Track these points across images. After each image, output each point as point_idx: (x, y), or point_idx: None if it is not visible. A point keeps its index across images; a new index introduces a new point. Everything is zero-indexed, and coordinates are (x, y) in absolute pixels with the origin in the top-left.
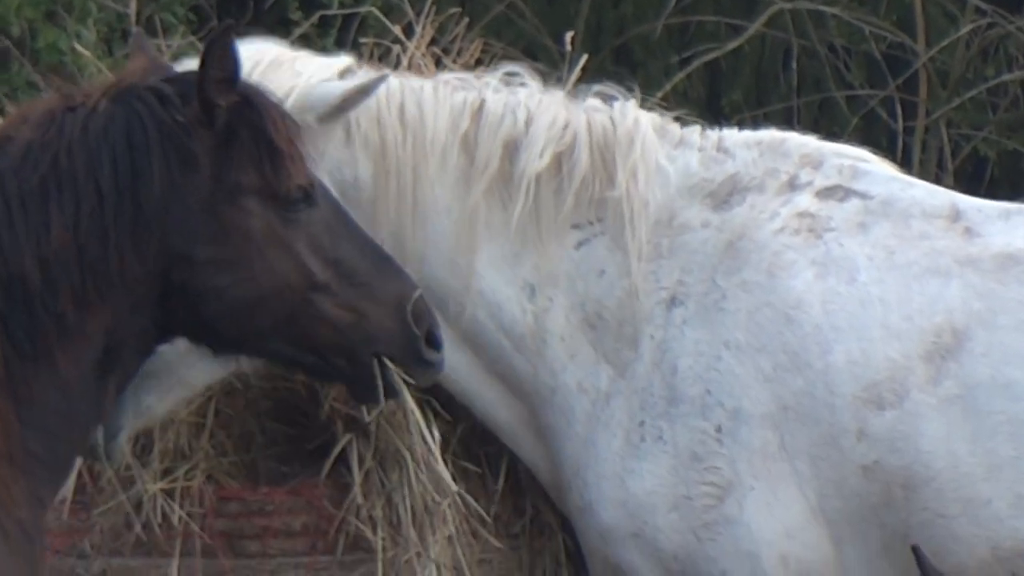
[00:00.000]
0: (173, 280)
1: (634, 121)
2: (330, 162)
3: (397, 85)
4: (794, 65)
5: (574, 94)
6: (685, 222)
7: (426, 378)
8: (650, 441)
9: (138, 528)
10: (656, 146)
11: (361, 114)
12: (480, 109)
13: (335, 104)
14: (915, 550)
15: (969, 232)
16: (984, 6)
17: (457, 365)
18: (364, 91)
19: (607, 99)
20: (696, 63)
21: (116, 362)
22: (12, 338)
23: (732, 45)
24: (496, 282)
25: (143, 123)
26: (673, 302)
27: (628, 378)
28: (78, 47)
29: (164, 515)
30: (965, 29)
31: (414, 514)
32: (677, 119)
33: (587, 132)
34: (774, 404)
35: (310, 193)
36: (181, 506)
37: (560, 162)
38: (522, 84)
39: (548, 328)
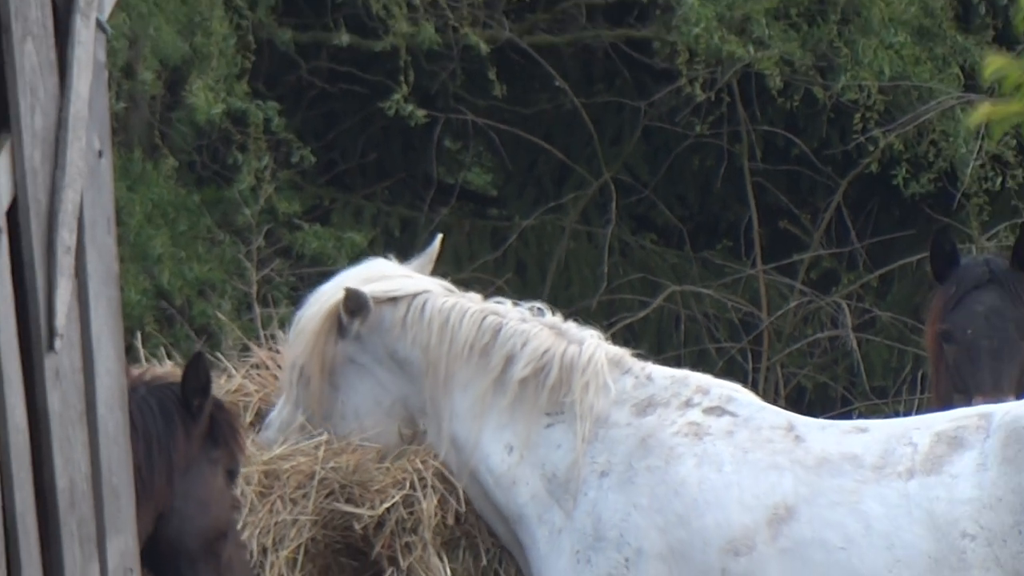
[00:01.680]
0: None
1: (591, 353)
2: (388, 340)
3: (449, 302)
4: (682, 327)
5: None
6: (615, 421)
7: None
8: (583, 564)
9: None
10: (605, 369)
11: (416, 314)
12: (499, 329)
13: (385, 298)
14: None
15: (798, 439)
16: (805, 289)
17: (475, 495)
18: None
19: (582, 328)
20: (618, 325)
21: None
22: None
23: (642, 314)
24: (488, 440)
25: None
26: (603, 474)
27: (572, 520)
28: (219, 314)
29: None
30: (792, 304)
31: None
32: (636, 354)
33: (560, 357)
34: (665, 548)
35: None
36: None
37: (540, 374)
38: (541, 312)
39: (517, 476)
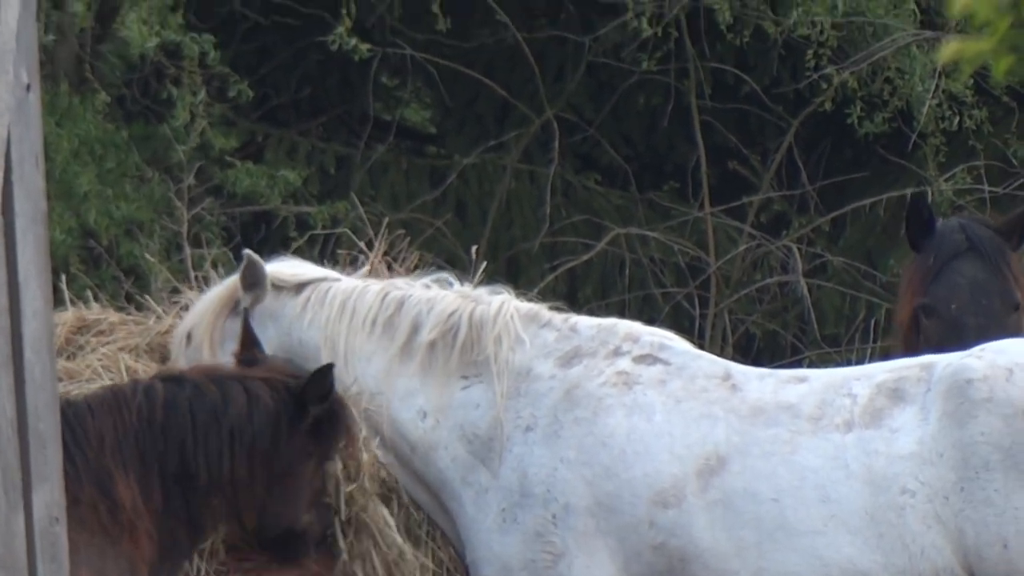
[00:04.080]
0: None
1: (499, 307)
2: (285, 324)
3: (353, 284)
4: (627, 271)
5: (474, 289)
6: (538, 375)
7: None
8: (510, 523)
9: None
10: (517, 322)
11: (318, 296)
12: (403, 302)
13: (292, 283)
14: None
15: (735, 388)
16: (755, 233)
17: (393, 465)
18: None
19: (493, 292)
20: (561, 269)
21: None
22: (171, 503)
23: (585, 257)
24: (398, 408)
25: (264, 405)
26: (528, 428)
27: (498, 479)
28: (148, 255)
29: (198, 570)
30: (741, 248)
31: (385, 571)
32: (554, 307)
33: (468, 317)
34: (593, 501)
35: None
36: (210, 564)
37: (448, 336)
38: (450, 284)
39: (434, 441)
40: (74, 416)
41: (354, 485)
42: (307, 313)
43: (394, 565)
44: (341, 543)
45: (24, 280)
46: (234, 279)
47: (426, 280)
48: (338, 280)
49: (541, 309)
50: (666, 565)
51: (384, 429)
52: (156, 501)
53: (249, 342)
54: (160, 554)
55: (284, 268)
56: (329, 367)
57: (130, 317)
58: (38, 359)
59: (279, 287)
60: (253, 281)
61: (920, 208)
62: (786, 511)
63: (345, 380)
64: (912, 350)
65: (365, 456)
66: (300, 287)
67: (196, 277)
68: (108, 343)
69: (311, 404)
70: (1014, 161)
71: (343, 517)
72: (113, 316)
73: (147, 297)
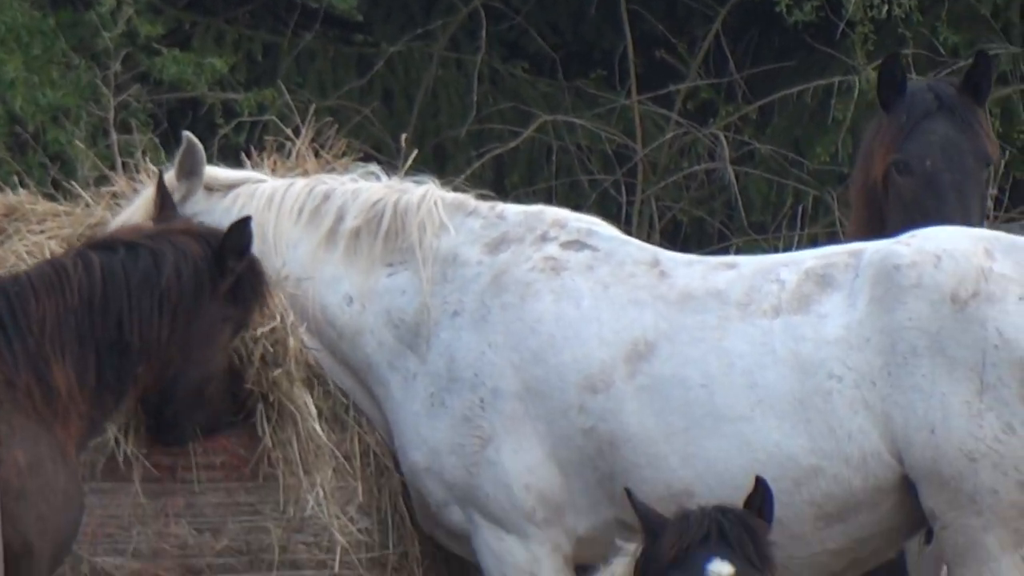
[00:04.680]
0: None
1: (422, 196)
2: (214, 219)
3: (277, 182)
4: (554, 158)
5: (402, 179)
6: (466, 260)
7: None
8: (437, 407)
9: (102, 461)
10: (441, 211)
11: (247, 192)
12: (330, 193)
13: (225, 183)
14: (627, 492)
15: (663, 275)
16: (682, 120)
17: (318, 351)
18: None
19: (419, 183)
20: (487, 156)
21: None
22: (104, 376)
23: (512, 144)
24: (324, 293)
25: (193, 263)
26: (455, 313)
27: (426, 364)
28: (76, 141)
29: (125, 454)
30: (668, 135)
31: (302, 457)
32: (479, 196)
33: (393, 205)
34: (521, 386)
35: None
36: (137, 447)
37: (372, 223)
38: (376, 177)
39: (361, 325)
40: (17, 298)
41: (280, 370)
42: (236, 206)
43: (313, 452)
44: (265, 427)
45: None
46: (167, 177)
47: (353, 175)
48: (266, 181)
49: (467, 198)
50: (595, 450)
51: (311, 314)
52: (91, 378)
53: (165, 205)
54: (89, 426)
55: (216, 170)
56: (247, 220)
57: (61, 207)
58: None
59: (210, 188)
60: (191, 168)
61: (892, 68)
62: (714, 397)
63: (274, 265)
64: (877, 209)
65: (292, 342)
66: (231, 187)
67: (123, 164)
68: (38, 232)
69: (230, 258)
70: (942, 50)
71: (270, 400)
72: (43, 205)
73: (74, 184)
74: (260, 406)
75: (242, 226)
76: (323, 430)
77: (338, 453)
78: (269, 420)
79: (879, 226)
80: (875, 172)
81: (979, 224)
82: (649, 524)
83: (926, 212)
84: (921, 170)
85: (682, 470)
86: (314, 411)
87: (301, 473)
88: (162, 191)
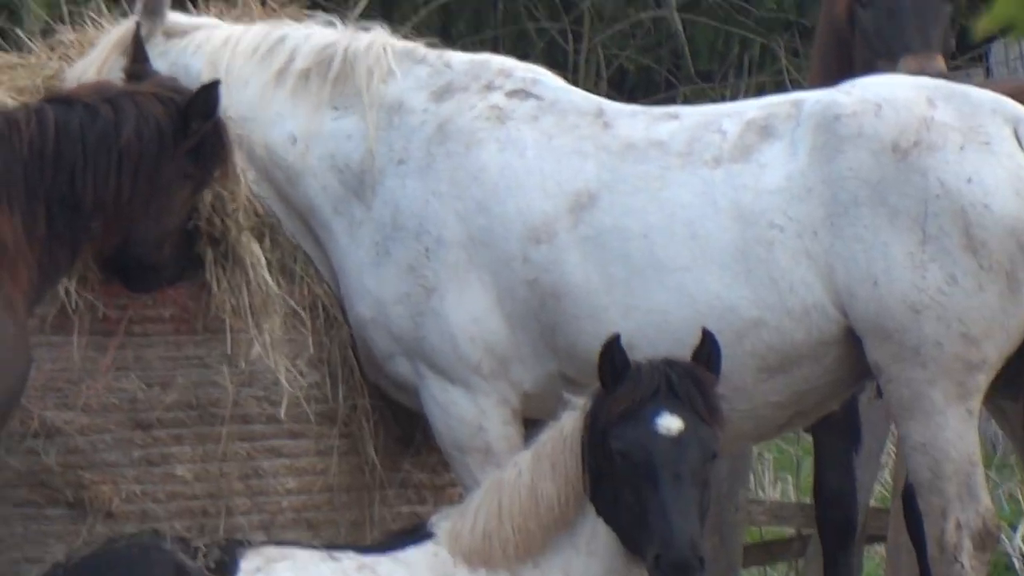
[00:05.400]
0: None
1: (370, 42)
2: (174, 58)
3: (236, 26)
4: (500, 5)
5: (354, 26)
6: (411, 108)
7: None
8: (382, 255)
9: (52, 314)
10: (389, 57)
11: (206, 34)
12: (285, 36)
13: (183, 28)
14: (615, 337)
15: (607, 125)
16: None
17: (265, 192)
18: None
19: (368, 29)
20: (434, 4)
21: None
22: (54, 229)
23: None
24: (270, 132)
25: (155, 124)
26: (400, 161)
27: (371, 211)
28: None
29: (77, 306)
30: None
31: (252, 306)
32: (428, 44)
33: (343, 49)
34: (465, 235)
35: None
36: (83, 297)
37: (322, 66)
38: (332, 25)
39: (304, 166)
40: None
41: (228, 218)
42: (193, 45)
43: (263, 301)
44: (214, 274)
45: None
46: (126, 25)
47: (312, 23)
48: (222, 27)
49: (417, 46)
50: (539, 301)
51: (257, 155)
52: (40, 230)
53: (139, 56)
54: (41, 278)
55: (175, 15)
56: (215, 83)
57: (14, 57)
58: None
59: (169, 33)
60: (154, 8)
61: None
62: (655, 247)
63: (224, 103)
64: (843, 48)
65: (241, 188)
66: (191, 29)
67: (70, 14)
68: None
69: (194, 120)
70: None
71: (220, 248)
72: None
73: (19, 32)
74: (209, 253)
75: (211, 88)
76: (272, 280)
77: (290, 301)
78: (219, 267)
79: (847, 66)
80: (838, 8)
81: (939, 50)
82: (606, 375)
83: (887, 42)
84: (882, 1)
85: (623, 321)
86: (263, 260)
87: (251, 322)
88: (137, 43)
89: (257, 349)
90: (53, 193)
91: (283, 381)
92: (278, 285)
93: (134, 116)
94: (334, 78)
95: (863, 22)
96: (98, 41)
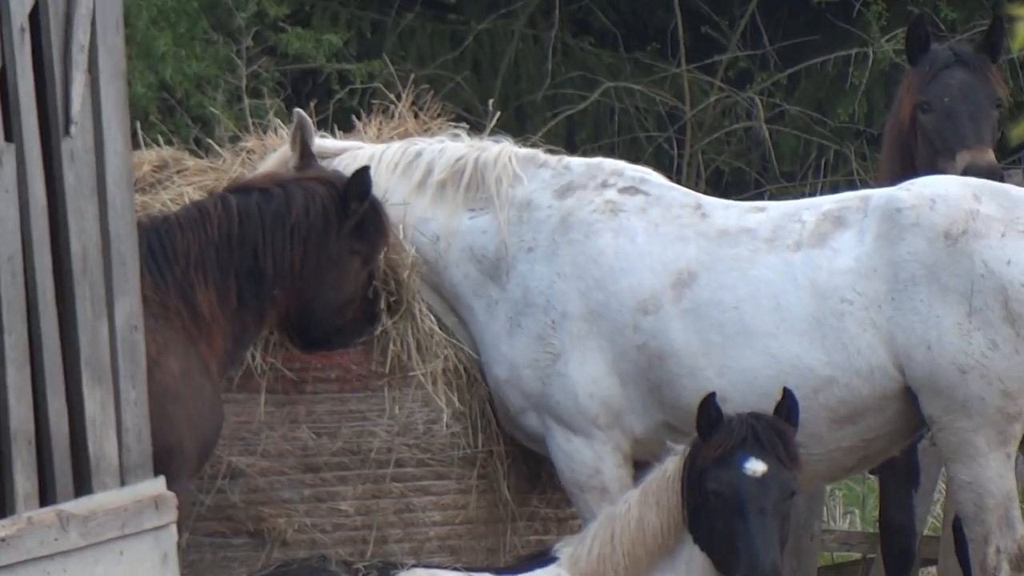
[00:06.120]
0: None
1: (498, 152)
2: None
3: (372, 148)
4: (616, 118)
5: (487, 137)
6: (538, 205)
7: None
8: (515, 328)
9: (238, 375)
10: (515, 164)
11: (350, 157)
12: (421, 152)
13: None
14: (711, 396)
15: (704, 216)
16: (723, 86)
17: (422, 284)
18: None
19: (496, 141)
20: (560, 117)
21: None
22: (243, 300)
23: (581, 107)
24: (415, 233)
25: (320, 203)
26: (529, 249)
27: (505, 292)
28: (212, 109)
29: (260, 368)
30: (712, 98)
31: (419, 350)
32: (549, 150)
33: (473, 161)
34: (586, 309)
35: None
36: (265, 361)
37: (456, 176)
38: (457, 137)
39: (448, 259)
40: (166, 234)
41: (406, 273)
42: (342, 165)
43: (427, 347)
44: (385, 320)
45: (107, 125)
46: (286, 147)
47: (440, 136)
48: (364, 147)
49: (537, 152)
50: (647, 363)
51: (414, 251)
52: (232, 302)
53: (305, 154)
54: (234, 343)
55: (324, 140)
56: (365, 168)
57: (205, 162)
58: (119, 191)
59: (320, 156)
60: (305, 131)
61: (919, 28)
62: (745, 317)
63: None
64: (906, 149)
65: (408, 258)
66: (337, 154)
67: (254, 125)
68: (183, 184)
69: (353, 201)
70: (942, 26)
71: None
72: (190, 160)
73: (211, 141)
74: (386, 317)
75: (362, 173)
76: (434, 327)
77: (448, 354)
78: (391, 321)
79: (910, 165)
80: (903, 115)
81: (990, 145)
82: (703, 426)
83: (946, 139)
84: (941, 107)
85: (718, 379)
86: (431, 314)
87: (416, 358)
88: (303, 144)
89: (409, 403)
90: (240, 268)
91: (442, 405)
92: (425, 355)
93: (302, 196)
94: (467, 185)
95: (924, 125)
96: (276, 147)
